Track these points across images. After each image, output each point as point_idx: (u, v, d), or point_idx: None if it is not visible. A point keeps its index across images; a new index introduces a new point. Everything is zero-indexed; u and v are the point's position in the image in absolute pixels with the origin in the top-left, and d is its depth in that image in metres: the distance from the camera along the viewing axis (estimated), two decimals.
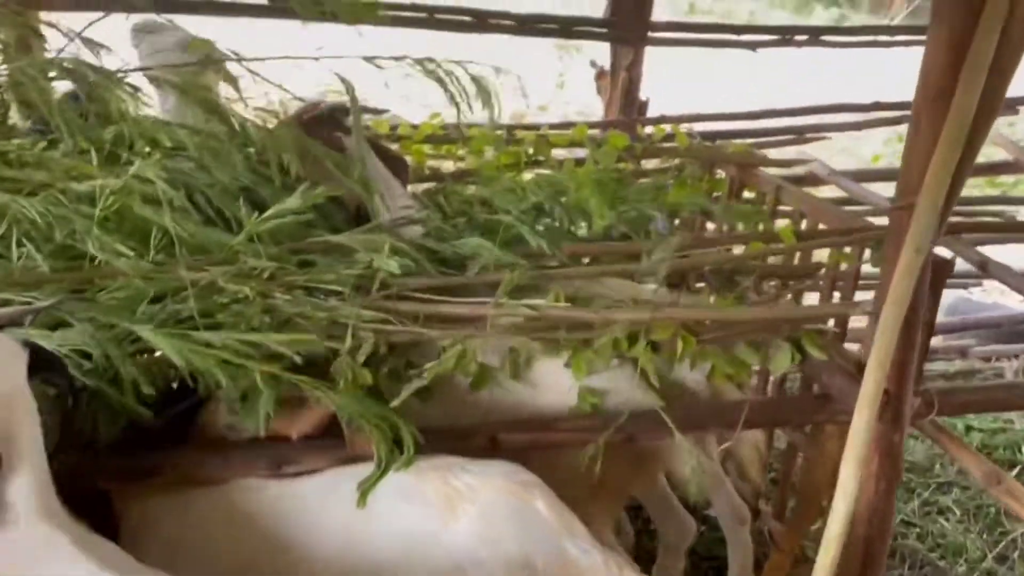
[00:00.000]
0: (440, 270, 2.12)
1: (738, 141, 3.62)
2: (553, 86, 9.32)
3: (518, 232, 2.28)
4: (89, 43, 2.54)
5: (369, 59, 2.57)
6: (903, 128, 2.09)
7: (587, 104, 7.09)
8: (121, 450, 1.70)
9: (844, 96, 4.58)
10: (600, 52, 4.07)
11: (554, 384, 1.89)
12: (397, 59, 2.59)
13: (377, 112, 2.87)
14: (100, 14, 2.46)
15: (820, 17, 13.57)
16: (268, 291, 1.90)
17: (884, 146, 7.72)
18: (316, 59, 2.60)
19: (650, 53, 3.97)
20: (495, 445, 1.76)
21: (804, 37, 4.32)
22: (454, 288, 2.07)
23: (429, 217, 2.29)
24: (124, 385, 1.69)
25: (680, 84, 6.75)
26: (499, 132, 2.97)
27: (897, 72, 4.05)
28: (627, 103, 3.87)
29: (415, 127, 3.11)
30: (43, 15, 2.78)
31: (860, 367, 1.92)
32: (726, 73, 8.06)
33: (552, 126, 3.48)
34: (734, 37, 4.13)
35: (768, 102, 4.86)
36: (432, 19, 3.43)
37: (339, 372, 1.74)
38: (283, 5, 3.25)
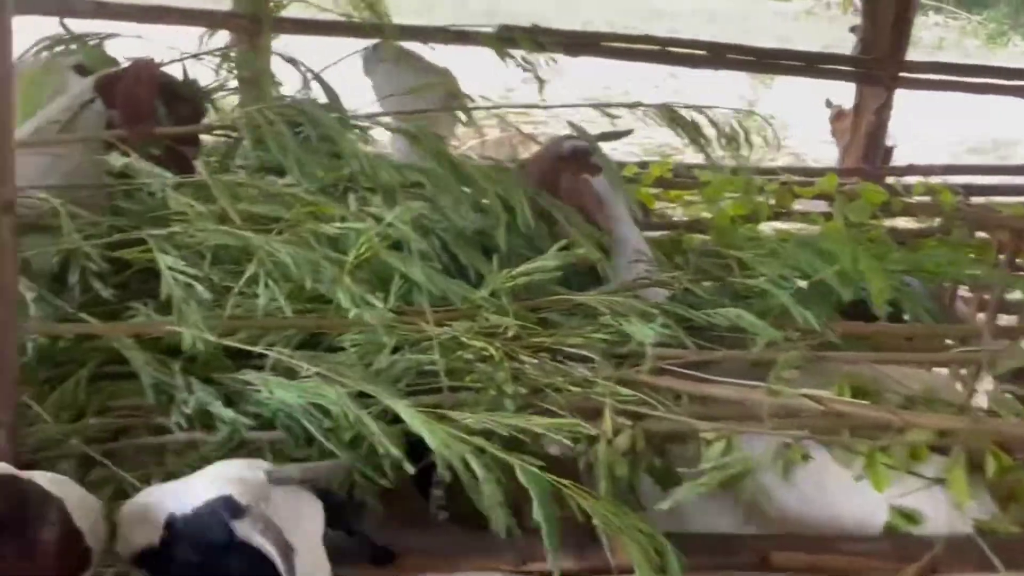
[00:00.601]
0: (695, 341, 1.89)
1: (1003, 200, 3.17)
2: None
3: (778, 301, 2.01)
4: (321, 83, 2.54)
5: (602, 107, 2.41)
6: None
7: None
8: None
9: None
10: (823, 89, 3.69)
11: (840, 495, 1.61)
12: (630, 106, 2.41)
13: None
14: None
15: None
16: (513, 352, 1.75)
17: None
18: (545, 107, 2.48)
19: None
20: (766, 564, 1.51)
21: None
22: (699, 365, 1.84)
23: (677, 279, 2.06)
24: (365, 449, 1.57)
25: (919, 123, 6.09)
26: (741, 177, 2.71)
27: None
28: (870, 149, 3.49)
29: (642, 167, 2.91)
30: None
31: None
32: (960, 111, 7.19)
33: (784, 169, 3.17)
34: (1004, 82, 3.62)
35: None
36: (664, 53, 3.23)
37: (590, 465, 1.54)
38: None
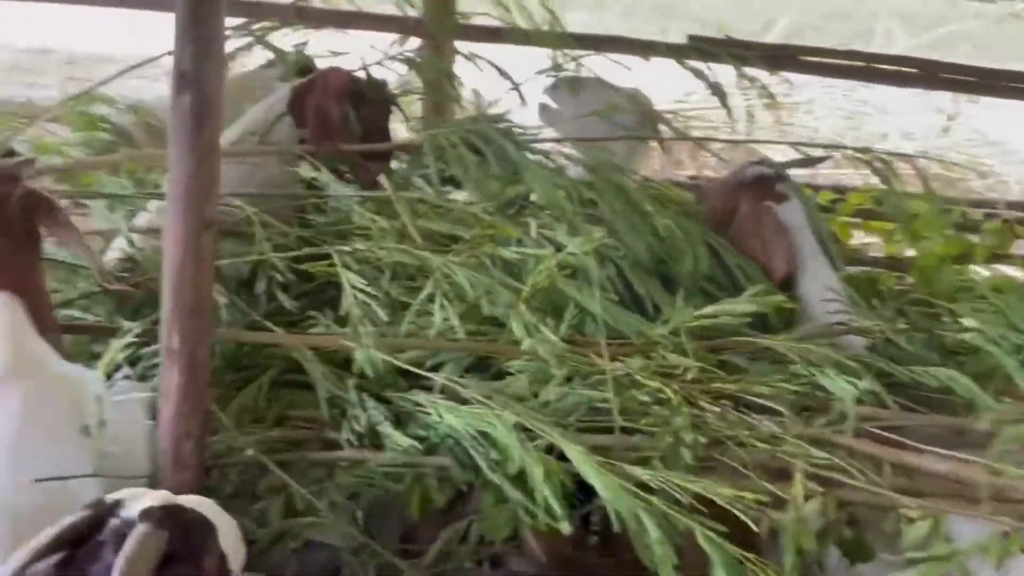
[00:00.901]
0: (896, 400, 1.70)
1: None
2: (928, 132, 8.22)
3: (995, 362, 1.78)
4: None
5: (798, 146, 2.24)
6: None
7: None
8: None
9: None
10: None
11: None
12: (828, 147, 2.22)
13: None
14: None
15: None
16: (692, 396, 1.63)
17: None
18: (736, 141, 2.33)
19: None
20: None
21: None
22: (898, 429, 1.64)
23: (880, 328, 1.87)
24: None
25: None
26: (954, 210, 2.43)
27: None
28: None
29: (840, 194, 2.68)
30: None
31: None
32: None
33: (1005, 203, 2.83)
34: None
35: None
36: (870, 70, 2.97)
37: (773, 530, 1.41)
38: None
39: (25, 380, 1.38)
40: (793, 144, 2.03)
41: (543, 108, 2.62)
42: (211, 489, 1.53)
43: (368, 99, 2.27)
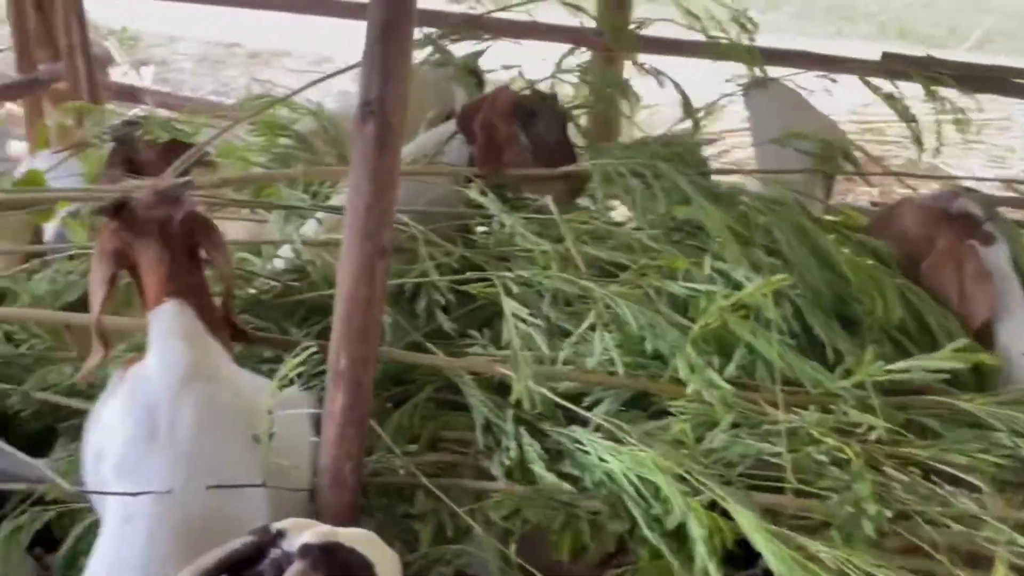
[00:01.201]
0: None
1: None
2: None
3: None
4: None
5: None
6: None
7: None
8: None
9: None
10: None
11: None
12: None
13: None
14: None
15: None
16: (876, 460, 1.49)
17: None
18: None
19: None
20: None
21: None
22: None
23: None
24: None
25: None
26: None
27: None
28: None
29: None
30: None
31: None
32: None
33: None
34: None
35: None
36: None
37: None
38: None
39: (202, 384, 1.42)
40: (1007, 181, 1.81)
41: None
42: (365, 508, 1.54)
43: (540, 115, 2.23)
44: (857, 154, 2.54)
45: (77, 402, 1.66)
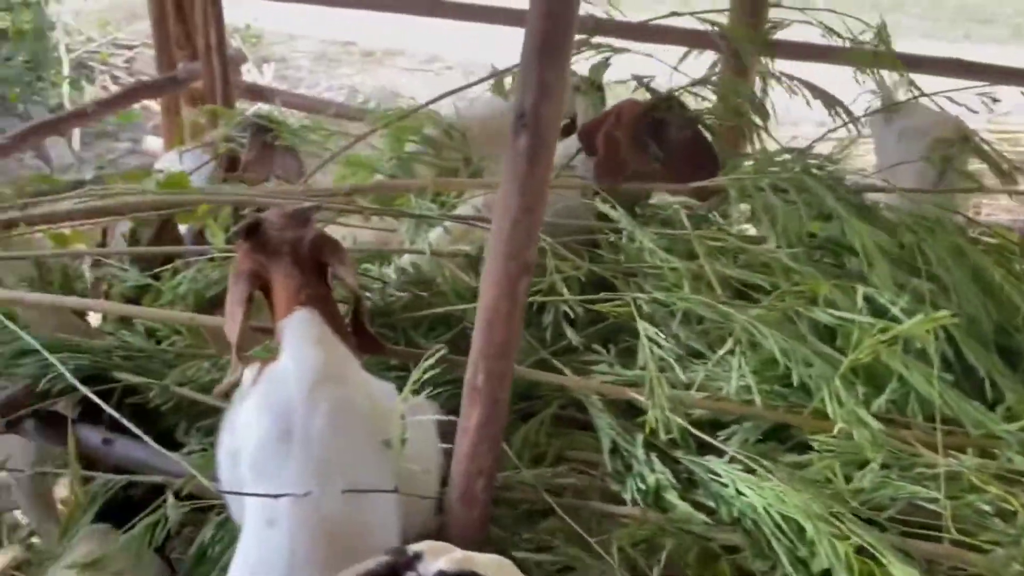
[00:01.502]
0: None
1: None
2: None
3: None
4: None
5: None
6: None
7: None
8: None
9: None
10: None
11: None
12: None
13: None
14: None
15: None
16: None
17: None
18: None
19: None
20: None
21: None
22: None
23: None
24: None
25: None
26: None
27: None
28: None
29: None
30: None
31: None
32: None
33: None
34: None
35: None
36: None
37: None
38: None
39: (335, 387, 1.42)
40: None
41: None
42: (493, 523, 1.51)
43: (669, 121, 2.16)
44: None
45: (214, 400, 1.70)
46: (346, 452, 1.39)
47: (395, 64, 8.81)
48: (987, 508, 1.39)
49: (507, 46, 1.75)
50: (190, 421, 1.75)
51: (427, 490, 1.47)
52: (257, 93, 4.10)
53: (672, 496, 1.49)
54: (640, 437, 1.58)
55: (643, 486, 1.52)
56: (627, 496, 1.53)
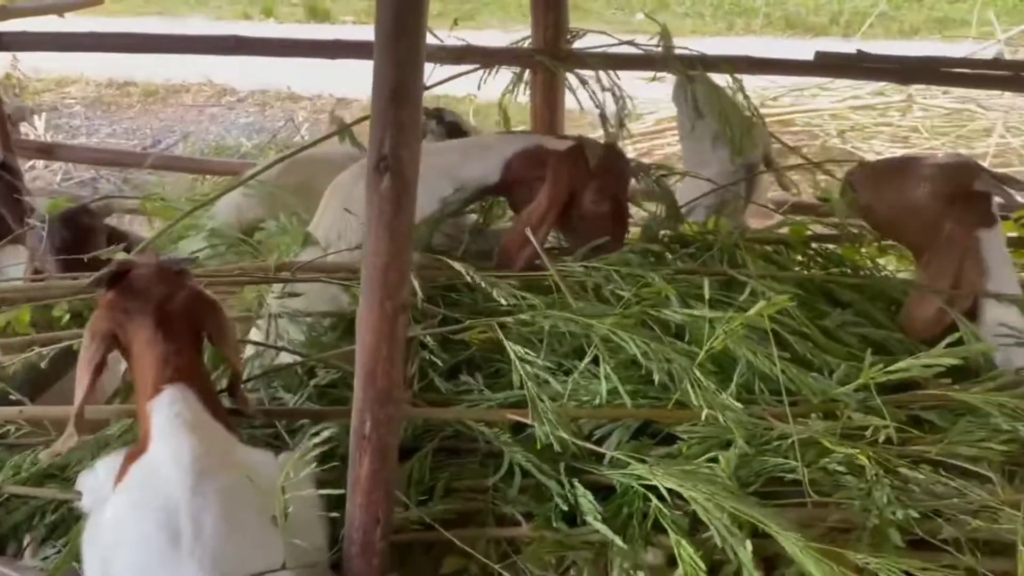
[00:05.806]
0: None
1: None
2: None
3: None
4: None
5: None
6: None
7: None
8: None
9: None
10: None
11: None
12: None
13: None
14: None
15: None
16: (888, 462, 1.53)
17: None
18: None
19: None
20: None
21: None
22: None
23: None
24: None
25: None
26: None
27: None
28: None
29: None
30: None
31: None
32: None
33: None
34: None
35: None
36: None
37: None
38: None
39: (220, 477, 1.33)
40: None
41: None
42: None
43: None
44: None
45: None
46: (241, 540, 1.32)
47: (181, 101, 8.38)
48: (840, 468, 1.53)
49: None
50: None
51: (317, 559, 1.42)
52: (45, 151, 3.76)
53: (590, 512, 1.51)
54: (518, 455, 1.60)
55: (564, 508, 1.53)
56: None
